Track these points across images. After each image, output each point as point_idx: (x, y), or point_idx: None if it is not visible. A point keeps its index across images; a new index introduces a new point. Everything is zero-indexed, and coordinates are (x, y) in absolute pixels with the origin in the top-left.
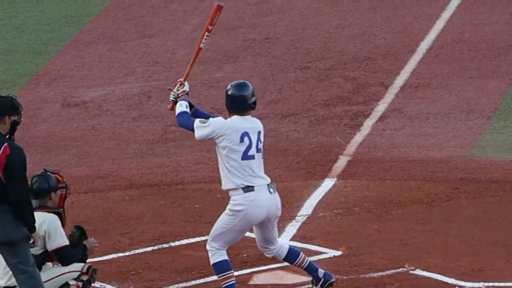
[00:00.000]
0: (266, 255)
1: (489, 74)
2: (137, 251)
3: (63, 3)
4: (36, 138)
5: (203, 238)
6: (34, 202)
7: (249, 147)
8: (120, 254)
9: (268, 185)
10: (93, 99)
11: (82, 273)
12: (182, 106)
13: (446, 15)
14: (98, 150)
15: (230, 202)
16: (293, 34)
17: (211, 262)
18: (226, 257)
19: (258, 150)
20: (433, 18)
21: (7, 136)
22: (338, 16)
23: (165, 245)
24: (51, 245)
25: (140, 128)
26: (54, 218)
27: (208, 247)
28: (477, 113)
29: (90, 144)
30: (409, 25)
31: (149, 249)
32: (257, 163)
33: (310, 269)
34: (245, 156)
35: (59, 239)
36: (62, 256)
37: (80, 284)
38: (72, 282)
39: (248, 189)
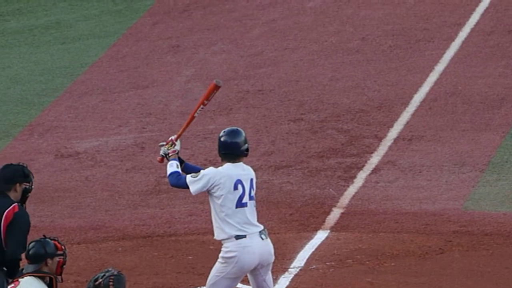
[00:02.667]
0: None
1: (482, 127)
2: None
3: (57, 54)
4: None
5: None
6: (30, 267)
7: (242, 194)
8: None
9: (260, 232)
10: (87, 150)
11: None
12: (172, 166)
13: (439, 68)
14: (91, 201)
15: (222, 249)
16: (287, 86)
17: None
18: None
19: (251, 198)
20: (426, 70)
21: None
22: (332, 68)
23: None
24: None
25: (133, 179)
26: None
27: None
28: (470, 166)
29: (83, 195)
30: (402, 78)
31: None
32: (250, 211)
33: None
34: (239, 203)
35: None
36: None
37: None
38: None
39: (240, 236)
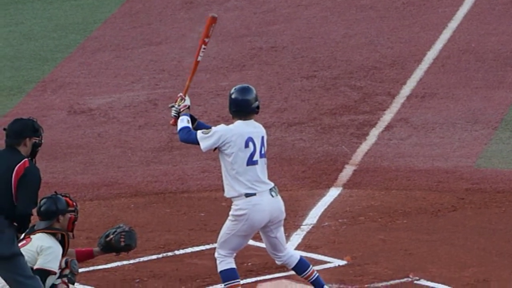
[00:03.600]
0: (277, 262)
1: (495, 85)
2: (141, 259)
3: (70, 10)
4: (42, 145)
5: (208, 246)
6: (42, 224)
7: (253, 152)
8: (125, 262)
9: (270, 189)
10: (100, 106)
11: (62, 269)
12: (183, 122)
13: (452, 25)
14: (104, 157)
15: (232, 207)
16: (300, 43)
17: (218, 269)
18: (234, 265)
19: (261, 155)
20: (439, 28)
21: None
22: (345, 25)
23: (169, 253)
24: (40, 263)
25: (146, 136)
26: (58, 247)
27: (216, 254)
28: (483, 123)
29: (96, 152)
30: (415, 35)
31: (153, 257)
32: (261, 168)
33: (317, 284)
34: (250, 161)
35: (51, 262)
36: (43, 278)
37: (66, 279)
38: (57, 282)
39: (250, 194)
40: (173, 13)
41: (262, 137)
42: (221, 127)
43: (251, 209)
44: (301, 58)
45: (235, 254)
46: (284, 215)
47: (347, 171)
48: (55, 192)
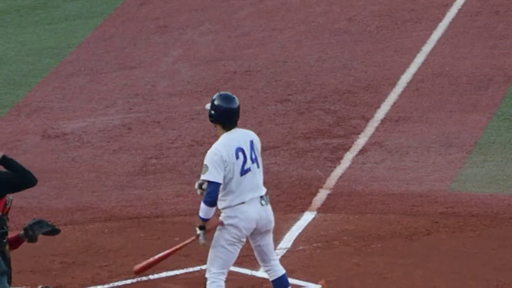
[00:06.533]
0: (263, 268)
1: (469, 108)
2: (116, 283)
3: (44, 34)
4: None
5: (182, 271)
6: None
7: (244, 161)
8: (99, 287)
9: (261, 197)
10: (74, 130)
11: None
12: (209, 211)
13: (426, 48)
14: (78, 182)
15: (220, 216)
16: (274, 66)
17: None
18: None
19: (253, 161)
20: (413, 51)
21: None
22: (319, 49)
23: (144, 278)
24: None
25: (120, 160)
26: None
27: (207, 274)
28: (457, 147)
29: (70, 176)
30: (389, 58)
31: (128, 281)
32: (253, 175)
33: None
34: (243, 171)
35: None
36: None
37: None
38: None
39: (238, 203)
40: (147, 37)
41: (251, 141)
42: (212, 159)
43: (239, 217)
44: (275, 82)
45: (226, 275)
46: (272, 225)
47: (321, 195)
48: None
